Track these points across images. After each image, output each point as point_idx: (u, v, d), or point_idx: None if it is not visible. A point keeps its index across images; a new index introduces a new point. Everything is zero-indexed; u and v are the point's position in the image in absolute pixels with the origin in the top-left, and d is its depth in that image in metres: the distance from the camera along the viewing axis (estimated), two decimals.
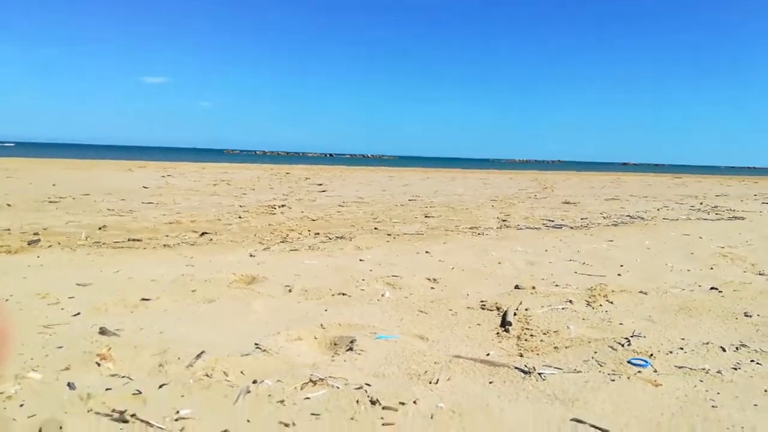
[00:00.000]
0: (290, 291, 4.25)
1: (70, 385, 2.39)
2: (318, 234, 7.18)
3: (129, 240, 6.27)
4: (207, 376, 2.55)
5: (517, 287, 4.49)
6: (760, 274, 5.17)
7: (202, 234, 6.84)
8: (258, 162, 42.97)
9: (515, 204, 12.69)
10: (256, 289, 4.26)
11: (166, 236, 6.63)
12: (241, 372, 2.63)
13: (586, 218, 9.87)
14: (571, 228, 8.41)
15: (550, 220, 9.35)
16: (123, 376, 2.53)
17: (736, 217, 10.59)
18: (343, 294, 4.19)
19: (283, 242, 6.46)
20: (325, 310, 3.75)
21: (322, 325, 3.41)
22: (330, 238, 6.82)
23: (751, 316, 3.71)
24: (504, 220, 9.22)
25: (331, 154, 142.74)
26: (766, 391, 2.51)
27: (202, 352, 2.82)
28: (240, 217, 8.63)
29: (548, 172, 41.48)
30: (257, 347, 2.96)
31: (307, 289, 4.28)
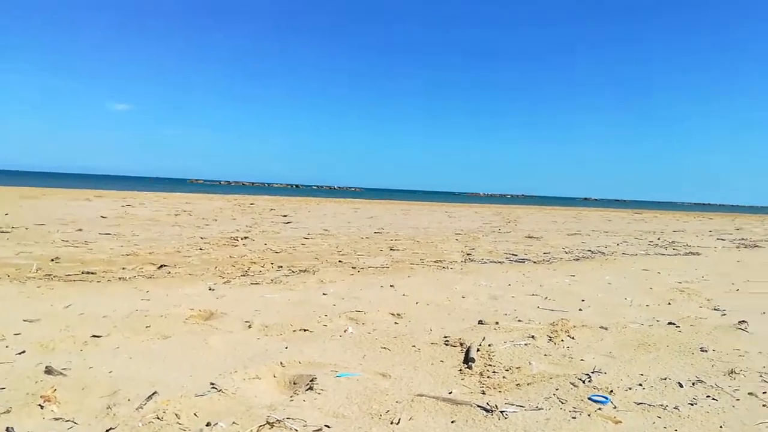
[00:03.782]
0: (250, 327, 4.14)
1: (9, 430, 2.24)
2: (281, 267, 7.07)
3: (83, 272, 6.04)
4: (158, 418, 2.43)
5: (480, 322, 4.48)
6: (715, 309, 5.29)
7: (161, 266, 6.66)
8: (222, 192, 42.48)
9: (480, 238, 12.80)
10: (214, 325, 4.14)
11: (123, 269, 6.42)
12: (195, 414, 2.52)
13: (549, 253, 10.01)
14: (534, 262, 8.50)
15: (513, 255, 9.45)
16: (67, 420, 2.39)
17: (692, 253, 10.90)
18: (305, 330, 4.10)
19: (244, 276, 6.33)
20: (286, 347, 3.65)
21: (281, 362, 3.32)
22: (293, 272, 6.72)
23: (706, 351, 3.77)
24: (468, 254, 9.27)
25: (297, 185, 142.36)
26: (721, 427, 2.53)
27: (154, 393, 2.69)
28: (201, 249, 8.44)
29: (512, 206, 42.22)
30: (213, 387, 2.85)
31: (267, 325, 4.18)
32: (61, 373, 2.93)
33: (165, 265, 6.73)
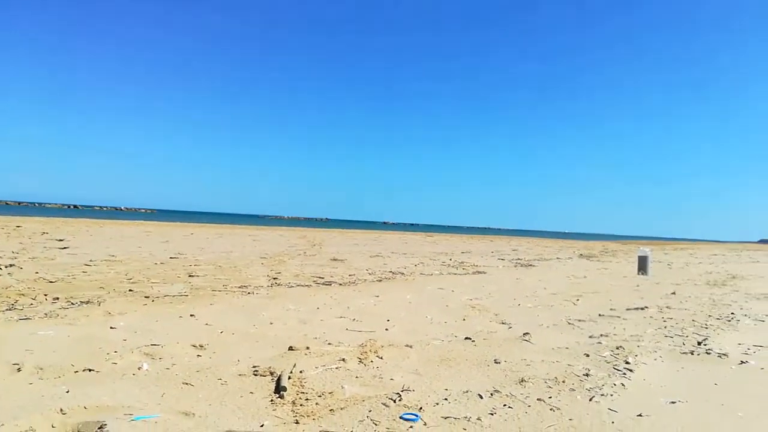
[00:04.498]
0: (19, 370, 3.47)
1: None
2: (57, 299, 6.13)
3: None
4: None
5: (290, 348, 4.34)
6: (502, 323, 5.87)
7: None
8: None
9: (286, 261, 12.66)
10: None
11: None
12: None
13: (354, 274, 10.26)
14: (340, 284, 8.63)
15: (320, 277, 9.49)
16: None
17: (479, 272, 12.09)
18: (90, 370, 3.56)
19: (10, 310, 5.35)
20: (67, 392, 3.12)
21: (61, 409, 2.82)
22: (73, 303, 5.87)
23: (499, 363, 4.13)
24: (275, 278, 9.07)
25: (75, 206, 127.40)
26: None
27: None
28: None
29: (316, 229, 42.88)
30: None
31: (41, 367, 3.54)
32: None
33: None
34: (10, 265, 8.88)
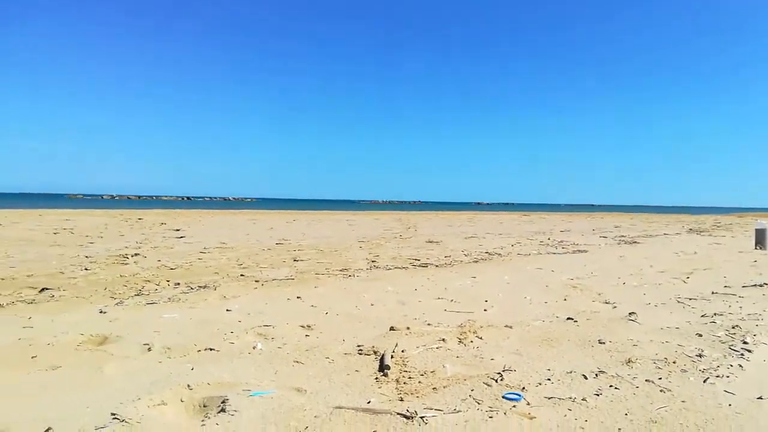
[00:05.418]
0: (149, 350, 3.87)
1: None
2: (178, 284, 6.70)
3: None
4: None
5: (392, 329, 4.49)
6: (606, 302, 5.70)
7: (42, 290, 6.06)
8: (105, 207, 39.67)
9: (382, 244, 12.93)
10: (110, 350, 3.82)
11: None
12: None
13: (450, 256, 10.31)
14: (437, 266, 8.71)
15: (416, 259, 9.63)
16: None
17: (579, 251, 11.71)
18: (211, 349, 3.89)
19: (138, 295, 5.93)
20: (192, 369, 3.44)
21: (188, 385, 3.12)
22: (192, 288, 6.39)
23: (604, 343, 4.04)
24: (373, 261, 9.32)
25: (188, 197, 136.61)
26: (626, 414, 2.70)
27: (48, 429, 2.42)
28: (86, 269, 7.80)
29: (410, 212, 43.16)
30: (114, 418, 2.61)
31: (169, 347, 3.92)
32: None
33: (47, 288, 6.14)
34: (136, 254, 9.78)
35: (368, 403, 2.91)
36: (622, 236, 16.83)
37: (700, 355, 3.68)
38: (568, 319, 4.87)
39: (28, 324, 4.51)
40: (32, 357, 3.61)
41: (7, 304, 5.32)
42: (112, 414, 2.66)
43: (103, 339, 4.14)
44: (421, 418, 2.66)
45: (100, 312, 5.03)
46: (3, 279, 6.79)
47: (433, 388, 3.11)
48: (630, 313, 5.02)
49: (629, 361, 3.56)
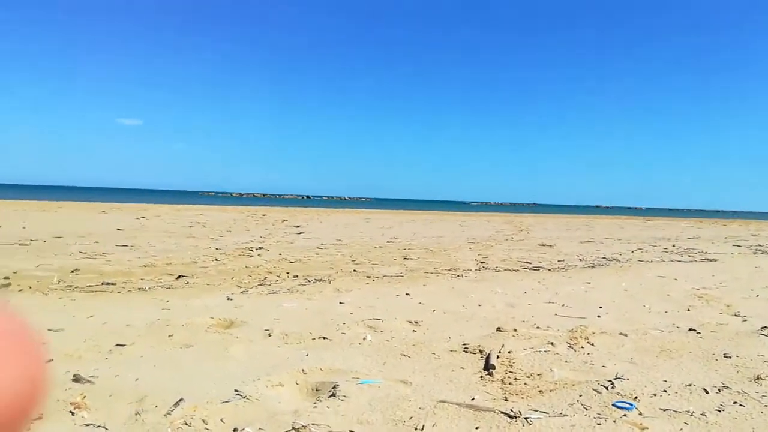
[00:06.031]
0: (270, 335, 4.17)
1: None
2: (297, 276, 7.11)
3: (103, 284, 6.11)
4: (186, 424, 2.46)
5: (498, 329, 4.47)
6: (735, 315, 5.25)
7: (178, 277, 6.72)
8: (234, 204, 42.75)
9: (492, 246, 12.78)
10: (235, 334, 4.17)
11: (141, 279, 6.49)
12: (221, 420, 2.55)
13: (563, 260, 9.97)
14: (549, 270, 8.48)
15: (527, 262, 9.42)
16: (98, 426, 2.43)
17: (708, 259, 10.81)
18: (324, 338, 4.12)
19: (261, 285, 6.37)
20: (306, 355, 3.68)
21: (303, 370, 3.34)
22: (309, 281, 6.75)
23: (730, 357, 3.75)
24: (482, 262, 9.26)
25: (308, 196, 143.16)
26: None
27: (181, 400, 2.73)
28: (216, 260, 8.51)
29: (523, 214, 42.07)
30: (237, 394, 2.88)
31: (287, 333, 4.21)
32: (89, 381, 2.97)
33: (183, 276, 6.79)
34: (260, 248, 10.48)
35: (472, 399, 2.95)
36: (759, 245, 15.25)
37: None
38: (691, 330, 4.56)
39: (166, 306, 5.03)
40: (169, 336, 4.04)
41: (149, 288, 5.96)
42: (236, 390, 2.92)
43: (229, 323, 4.52)
44: (525, 418, 2.66)
45: (228, 299, 5.49)
46: (146, 266, 7.59)
47: (539, 391, 3.08)
48: (763, 327, 4.59)
49: (758, 378, 3.28)
